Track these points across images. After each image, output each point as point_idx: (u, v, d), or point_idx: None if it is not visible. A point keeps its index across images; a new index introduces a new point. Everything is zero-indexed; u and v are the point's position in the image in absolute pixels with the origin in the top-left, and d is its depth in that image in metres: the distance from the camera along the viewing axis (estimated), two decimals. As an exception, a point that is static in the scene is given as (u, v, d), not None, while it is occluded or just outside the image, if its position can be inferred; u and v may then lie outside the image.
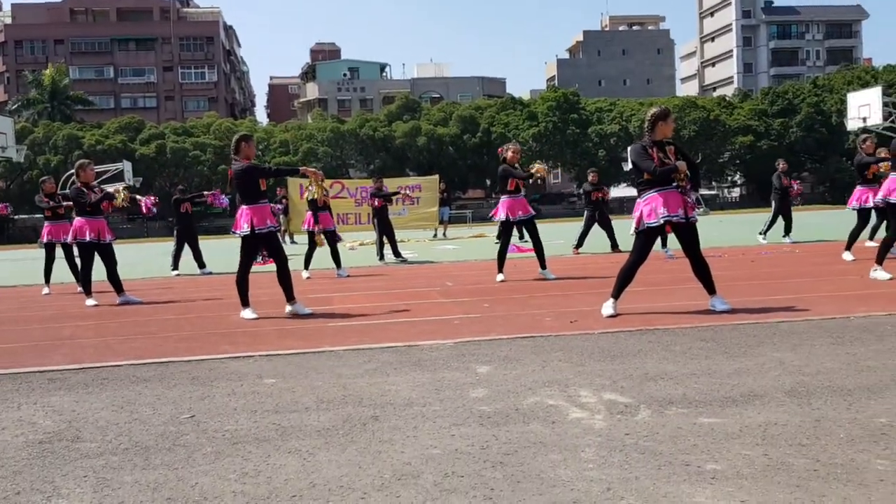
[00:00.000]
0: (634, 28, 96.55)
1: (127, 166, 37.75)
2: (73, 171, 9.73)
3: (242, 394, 4.11)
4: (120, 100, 75.55)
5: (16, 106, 62.24)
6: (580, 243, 14.22)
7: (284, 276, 7.24)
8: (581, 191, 13.97)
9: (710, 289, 6.22)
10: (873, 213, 10.60)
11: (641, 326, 5.60)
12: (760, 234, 14.93)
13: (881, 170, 10.03)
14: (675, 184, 6.11)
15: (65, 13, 77.83)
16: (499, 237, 10.14)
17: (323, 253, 12.12)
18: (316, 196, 11.50)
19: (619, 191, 58.25)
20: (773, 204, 15.16)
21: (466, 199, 59.90)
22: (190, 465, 2.98)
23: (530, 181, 9.52)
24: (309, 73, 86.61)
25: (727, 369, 4.16)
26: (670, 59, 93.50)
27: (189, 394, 4.16)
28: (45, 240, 11.02)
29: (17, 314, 8.88)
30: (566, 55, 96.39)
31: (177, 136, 57.61)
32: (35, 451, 3.26)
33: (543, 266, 9.62)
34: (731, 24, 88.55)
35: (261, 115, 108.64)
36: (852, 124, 33.72)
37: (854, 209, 10.65)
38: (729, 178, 65.43)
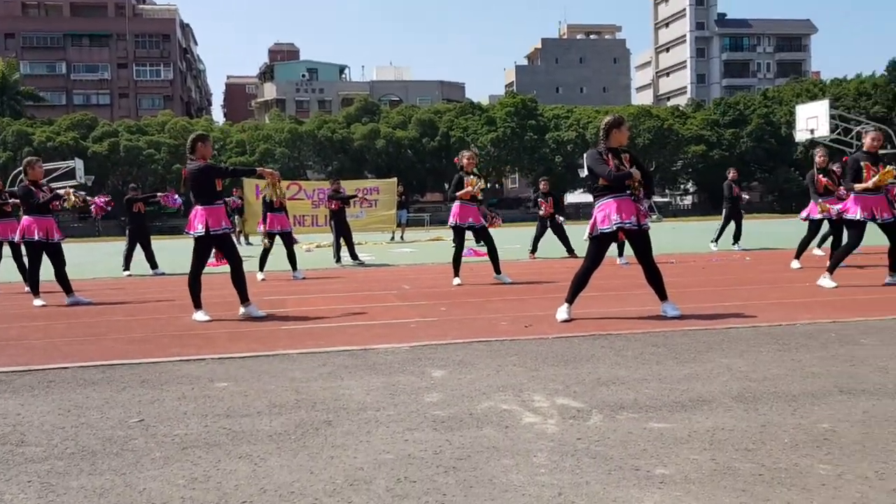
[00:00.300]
0: (591, 37, 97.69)
1: (78, 164, 36.97)
2: (21, 168, 9.50)
3: (193, 397, 4.05)
4: (72, 96, 73.80)
5: (-37, 100, 60.47)
6: (534, 248, 14.36)
7: (239, 278, 7.15)
8: (534, 196, 14.07)
9: (662, 295, 6.34)
10: (826, 224, 10.91)
11: (595, 331, 5.67)
12: (713, 241, 15.24)
13: (826, 185, 10.39)
14: (628, 191, 6.22)
15: (16, 6, 75.85)
16: (454, 241, 10.21)
17: (279, 255, 12.02)
18: (272, 197, 11.46)
19: (575, 196, 58.92)
20: (724, 212, 15.52)
21: (424, 203, 60.00)
22: (138, 471, 2.93)
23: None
24: (267, 73, 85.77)
25: (677, 375, 4.23)
26: (626, 69, 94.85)
27: (138, 397, 4.09)
28: (-9, 238, 10.73)
29: (-40, 314, 8.62)
30: (525, 62, 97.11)
31: (131, 135, 56.52)
32: (-24, 456, 3.17)
33: (498, 271, 9.69)
34: (685, 36, 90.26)
35: (217, 114, 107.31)
36: (801, 136, 34.60)
37: (804, 219, 10.94)
38: (682, 186, 66.59)
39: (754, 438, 3.09)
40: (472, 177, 9.60)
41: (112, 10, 76.82)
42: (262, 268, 11.53)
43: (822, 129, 32.03)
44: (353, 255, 14.25)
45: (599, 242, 6.34)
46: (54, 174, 32.70)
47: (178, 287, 9.09)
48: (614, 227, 6.14)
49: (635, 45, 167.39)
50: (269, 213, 11.69)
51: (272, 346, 5.56)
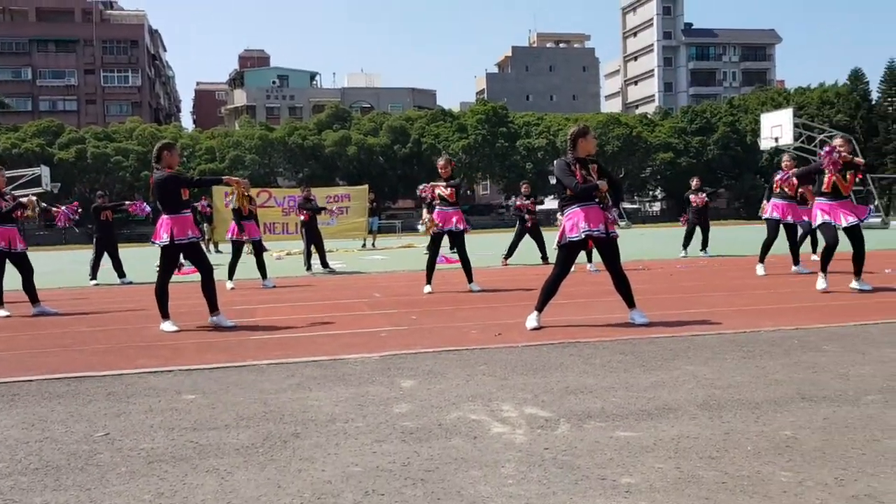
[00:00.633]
0: (561, 45, 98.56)
1: (44, 171, 36.47)
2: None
3: (160, 410, 4.01)
4: (38, 102, 72.68)
5: (-76, 106, 59.34)
6: (510, 254, 14.43)
7: (209, 287, 7.10)
8: (511, 203, 14.20)
9: (630, 302, 6.41)
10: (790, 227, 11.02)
11: (564, 339, 5.71)
12: (683, 248, 15.42)
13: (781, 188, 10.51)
14: (597, 199, 6.28)
15: (-20, 11, 74.69)
16: (428, 248, 10.24)
17: (248, 263, 11.94)
18: (239, 205, 11.42)
19: (546, 203, 59.18)
20: (689, 218, 15.77)
21: (396, 209, 59.97)
22: (103, 486, 2.90)
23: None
24: (237, 80, 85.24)
25: (644, 383, 4.28)
26: (595, 77, 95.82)
27: (104, 410, 4.04)
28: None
29: (-80, 326, 8.45)
30: (495, 69, 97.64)
31: (98, 141, 55.86)
32: (-64, 473, 3.12)
33: (470, 280, 9.72)
34: (652, 45, 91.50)
35: (186, 121, 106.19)
36: (765, 143, 35.21)
37: (764, 218, 11.01)
38: (650, 193, 67.41)
39: (718, 446, 3.14)
40: (426, 215, 9.90)
41: (79, 16, 75.82)
42: (231, 276, 11.45)
43: (787, 138, 32.63)
44: (324, 263, 14.20)
45: (568, 251, 6.40)
46: (19, 181, 32.18)
47: (146, 296, 8.99)
48: (583, 236, 6.19)
49: (604, 54, 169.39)
50: (239, 221, 11.64)
51: (241, 357, 5.53)
